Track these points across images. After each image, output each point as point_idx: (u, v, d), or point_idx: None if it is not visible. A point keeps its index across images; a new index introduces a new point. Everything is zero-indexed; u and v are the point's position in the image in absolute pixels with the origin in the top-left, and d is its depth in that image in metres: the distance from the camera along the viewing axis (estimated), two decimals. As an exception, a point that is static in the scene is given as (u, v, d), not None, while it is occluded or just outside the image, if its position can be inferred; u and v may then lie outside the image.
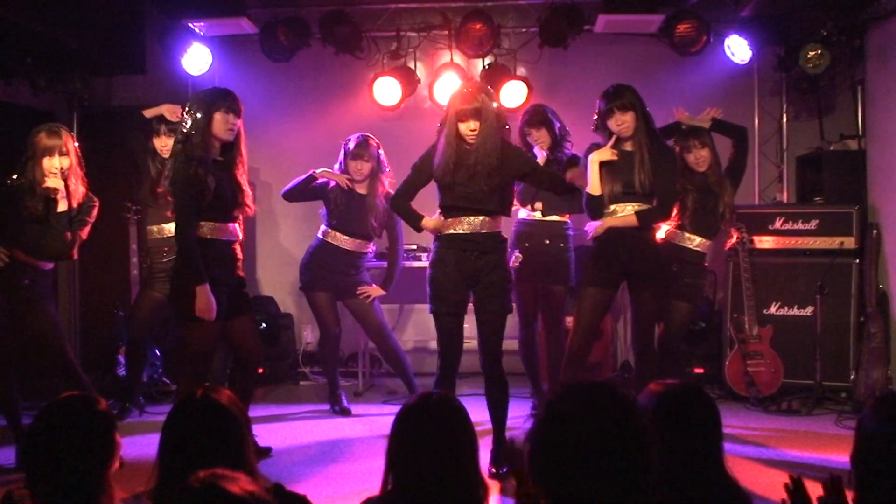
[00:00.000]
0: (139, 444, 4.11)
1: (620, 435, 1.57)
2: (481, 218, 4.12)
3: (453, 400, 2.25)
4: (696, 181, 4.77)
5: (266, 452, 4.54)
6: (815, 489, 2.07)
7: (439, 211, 4.26)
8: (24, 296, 4.38)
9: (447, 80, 6.49)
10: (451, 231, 4.15)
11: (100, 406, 2.31)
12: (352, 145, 5.37)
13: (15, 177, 4.38)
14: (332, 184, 5.36)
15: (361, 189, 5.37)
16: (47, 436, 2.21)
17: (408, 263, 5.91)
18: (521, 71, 6.78)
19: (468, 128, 4.03)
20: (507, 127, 4.88)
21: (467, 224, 4.12)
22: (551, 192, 4.69)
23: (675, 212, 4.70)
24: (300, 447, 4.79)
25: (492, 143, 4.06)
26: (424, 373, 6.21)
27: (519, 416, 5.10)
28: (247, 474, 1.64)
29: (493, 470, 4.12)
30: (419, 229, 4.31)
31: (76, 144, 4.53)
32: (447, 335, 4.21)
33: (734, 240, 5.69)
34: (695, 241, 4.78)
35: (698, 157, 4.77)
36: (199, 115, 3.96)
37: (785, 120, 6.76)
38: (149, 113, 5.21)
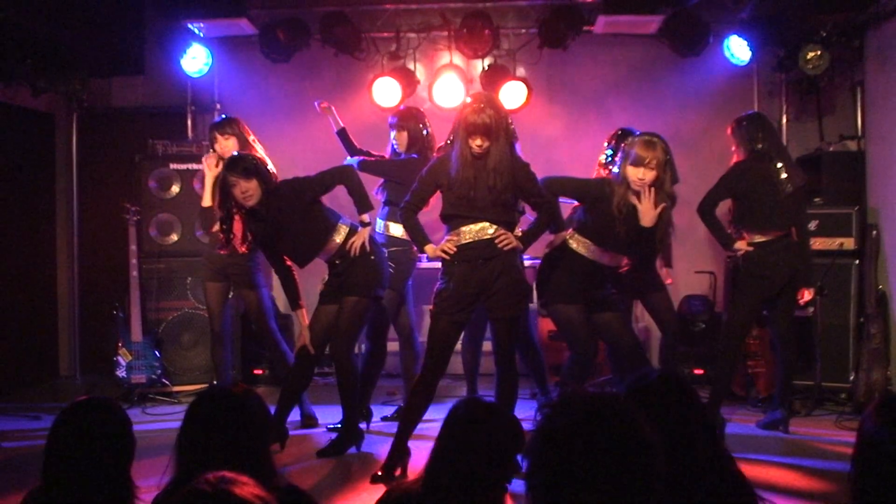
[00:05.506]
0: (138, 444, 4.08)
1: (623, 449, 1.50)
2: (482, 224, 4.10)
3: (503, 409, 2.35)
4: None
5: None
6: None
7: (447, 235, 4.23)
8: None
9: (447, 80, 6.49)
10: (456, 244, 4.12)
11: (117, 406, 2.36)
12: None
13: None
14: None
15: None
16: (70, 436, 2.23)
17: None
18: (520, 72, 6.77)
19: (475, 143, 4.03)
20: (517, 139, 4.80)
21: (468, 234, 4.10)
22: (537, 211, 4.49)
23: None
24: (300, 447, 4.78)
25: (506, 162, 4.07)
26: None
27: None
28: (264, 474, 1.62)
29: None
30: (422, 250, 4.30)
31: None
32: (439, 338, 4.18)
33: None
34: None
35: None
36: None
37: (784, 121, 6.74)
38: None
